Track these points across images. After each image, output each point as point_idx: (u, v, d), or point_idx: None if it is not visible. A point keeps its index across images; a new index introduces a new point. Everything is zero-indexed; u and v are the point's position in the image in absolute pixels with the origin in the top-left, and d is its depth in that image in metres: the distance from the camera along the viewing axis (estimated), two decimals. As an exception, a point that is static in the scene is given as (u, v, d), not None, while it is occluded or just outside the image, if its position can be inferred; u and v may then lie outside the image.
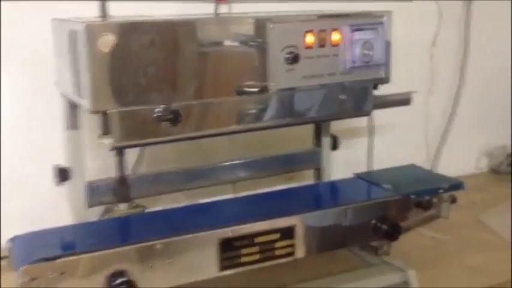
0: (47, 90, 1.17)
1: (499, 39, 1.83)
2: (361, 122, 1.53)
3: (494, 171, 1.89)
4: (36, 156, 1.29)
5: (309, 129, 1.34)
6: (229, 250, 1.01)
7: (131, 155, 1.32)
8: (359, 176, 1.28)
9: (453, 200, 1.22)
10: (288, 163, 1.33)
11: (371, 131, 1.41)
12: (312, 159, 1.33)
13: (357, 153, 1.60)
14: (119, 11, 1.08)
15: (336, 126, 1.38)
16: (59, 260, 0.90)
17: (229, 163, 1.27)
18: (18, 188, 1.33)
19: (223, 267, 1.02)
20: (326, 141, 1.31)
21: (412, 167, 1.33)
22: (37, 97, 1.29)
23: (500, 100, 1.88)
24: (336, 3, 1.53)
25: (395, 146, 1.69)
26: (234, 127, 1.01)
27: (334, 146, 1.33)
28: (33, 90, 1.30)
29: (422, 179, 1.27)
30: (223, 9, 1.44)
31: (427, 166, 1.75)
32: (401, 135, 1.76)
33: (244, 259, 1.03)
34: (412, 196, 1.17)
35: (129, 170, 1.24)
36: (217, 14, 1.39)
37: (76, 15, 1.04)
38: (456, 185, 1.23)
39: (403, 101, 1.24)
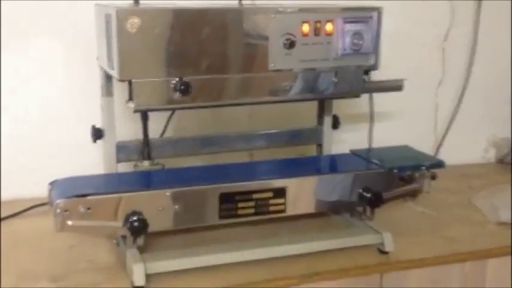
0: (91, 63, 1.38)
1: (507, 35, 1.95)
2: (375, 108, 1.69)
3: (501, 161, 2.01)
4: (81, 118, 1.51)
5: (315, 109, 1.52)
6: (227, 203, 1.21)
7: (160, 123, 1.55)
8: (353, 153, 1.45)
9: (433, 177, 1.37)
10: (295, 138, 1.50)
11: (372, 115, 1.57)
12: (314, 136, 1.50)
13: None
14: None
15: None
16: (87, 198, 1.12)
17: (241, 134, 1.46)
18: (67, 145, 1.58)
19: (222, 217, 1.22)
20: (328, 120, 1.48)
21: (404, 148, 1.49)
22: (83, 69, 1.50)
23: (507, 93, 2.00)
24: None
25: (404, 133, 1.83)
26: (235, 100, 1.21)
27: (335, 125, 1.49)
28: (82, 63, 1.51)
29: (409, 157, 1.42)
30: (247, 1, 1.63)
31: (433, 153, 1.90)
32: (411, 123, 1.91)
33: (240, 211, 1.23)
34: (395, 170, 1.34)
35: (155, 135, 1.47)
36: (241, 4, 1.58)
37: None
38: (437, 163, 1.39)
39: (395, 87, 1.39)
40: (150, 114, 1.38)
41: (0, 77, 1.52)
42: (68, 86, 1.58)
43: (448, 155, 1.95)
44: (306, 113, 1.54)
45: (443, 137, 1.93)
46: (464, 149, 1.97)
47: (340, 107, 1.54)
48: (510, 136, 1.99)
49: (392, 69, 1.65)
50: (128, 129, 1.41)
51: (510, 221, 1.48)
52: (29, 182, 1.47)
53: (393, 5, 1.78)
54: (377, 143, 1.63)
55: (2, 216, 1.43)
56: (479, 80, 1.93)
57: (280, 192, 1.25)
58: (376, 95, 1.56)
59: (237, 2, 1.57)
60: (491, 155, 2.04)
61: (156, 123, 1.53)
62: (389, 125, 1.85)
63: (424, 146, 1.64)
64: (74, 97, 1.57)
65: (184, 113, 1.58)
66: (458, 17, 1.87)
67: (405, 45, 1.84)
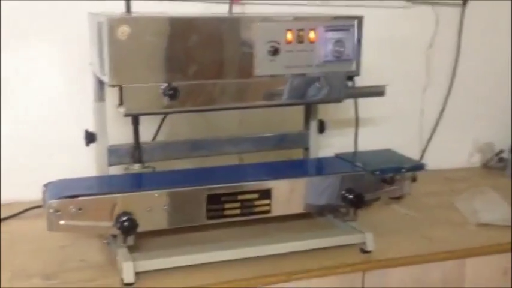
0: (85, 69, 1.43)
1: (491, 41, 2.01)
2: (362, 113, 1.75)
3: (485, 166, 2.07)
4: (75, 121, 1.54)
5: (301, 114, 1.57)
6: (214, 203, 1.26)
7: (153, 127, 1.60)
8: (338, 156, 1.50)
9: (414, 179, 1.43)
10: (282, 141, 1.55)
11: (357, 119, 1.62)
12: (301, 140, 1.55)
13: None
14: (145, 8, 1.35)
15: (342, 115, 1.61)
16: (78, 198, 1.17)
17: (229, 137, 1.51)
18: (62, 147, 1.62)
19: (209, 217, 1.27)
20: (313, 124, 1.53)
21: (387, 151, 1.55)
22: (81, 73, 1.54)
23: (491, 98, 2.05)
24: (338, 7, 1.77)
25: (390, 137, 1.86)
26: (222, 105, 1.26)
27: (321, 129, 1.55)
28: (79, 68, 1.55)
29: (391, 160, 1.48)
30: (237, 9, 1.69)
31: (418, 157, 1.95)
32: (397, 128, 1.95)
33: (227, 212, 1.28)
34: (377, 172, 1.39)
35: (148, 139, 1.52)
36: (231, 14, 1.64)
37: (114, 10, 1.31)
38: (417, 166, 1.44)
39: (378, 92, 1.45)
40: (144, 119, 1.44)
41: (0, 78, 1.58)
42: (64, 89, 1.63)
43: (433, 160, 1.99)
44: (295, 118, 1.59)
45: (428, 141, 1.98)
46: (449, 153, 2.02)
47: (327, 112, 1.60)
48: (492, 141, 2.05)
49: (379, 75, 1.71)
50: (121, 133, 1.45)
51: (489, 222, 1.53)
52: (26, 184, 1.51)
53: (379, 13, 1.86)
54: (364, 148, 1.67)
55: (1, 217, 1.48)
56: (464, 85, 1.98)
57: (266, 194, 1.30)
58: (363, 101, 1.62)
59: (227, 7, 1.64)
60: (476, 160, 2.10)
61: (149, 128, 1.59)
62: (375, 130, 1.90)
63: (410, 150, 1.68)
64: (70, 101, 1.62)
65: (176, 118, 1.63)
66: (442, 24, 1.92)
67: (391, 51, 1.90)
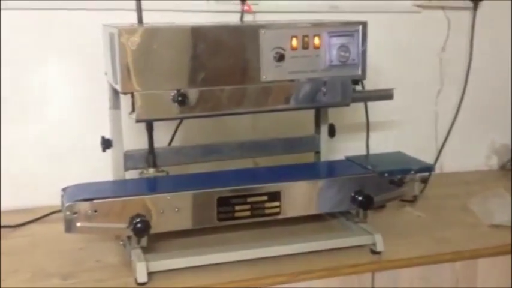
0: (101, 78, 1.49)
1: (503, 43, 2.01)
2: (376, 118, 1.77)
3: (503, 168, 2.06)
4: (92, 129, 1.59)
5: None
6: (225, 206, 1.30)
7: (167, 133, 1.65)
8: (348, 159, 1.52)
9: (423, 180, 1.44)
10: (293, 146, 1.59)
11: (367, 123, 1.64)
12: (312, 144, 1.58)
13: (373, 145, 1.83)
14: (156, 19, 1.41)
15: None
16: (93, 201, 1.22)
17: (240, 142, 1.55)
18: (80, 153, 1.69)
19: (220, 219, 1.31)
20: (324, 128, 1.56)
21: (397, 153, 1.57)
22: (94, 83, 1.59)
23: (505, 99, 2.05)
24: (347, 14, 1.80)
25: (405, 142, 1.88)
26: (230, 110, 1.30)
27: (332, 133, 1.57)
28: (92, 79, 1.61)
29: (401, 162, 1.49)
30: (249, 18, 1.74)
31: (433, 161, 1.95)
32: (412, 132, 1.97)
33: (237, 214, 1.32)
34: (386, 174, 1.41)
35: (164, 145, 1.58)
36: (242, 22, 1.69)
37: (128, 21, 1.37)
38: (425, 167, 1.46)
39: (386, 95, 1.47)
40: (160, 126, 1.49)
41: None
42: (82, 99, 1.69)
43: (450, 163, 2.02)
44: (309, 123, 1.62)
45: (443, 144, 1.98)
46: (465, 156, 2.03)
47: (340, 117, 1.62)
48: (510, 142, 2.04)
49: (391, 79, 1.74)
50: (139, 139, 1.51)
51: (503, 223, 1.53)
52: (47, 190, 1.57)
53: (391, 18, 1.88)
54: (378, 152, 1.70)
55: (23, 221, 1.55)
56: (478, 87, 1.99)
57: (275, 196, 1.33)
58: (376, 106, 1.65)
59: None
60: (494, 162, 2.09)
61: (166, 134, 1.64)
62: (390, 134, 1.93)
63: (426, 154, 1.70)
64: (88, 109, 1.69)
65: (191, 124, 1.68)
66: (454, 27, 1.94)
67: (404, 56, 1.92)
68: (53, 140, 1.69)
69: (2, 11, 1.58)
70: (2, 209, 1.61)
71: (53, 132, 1.69)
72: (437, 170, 1.84)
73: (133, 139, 1.50)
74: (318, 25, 1.33)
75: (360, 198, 1.37)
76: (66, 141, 1.70)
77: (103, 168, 1.48)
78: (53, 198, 1.54)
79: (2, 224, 1.52)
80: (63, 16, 1.64)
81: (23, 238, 1.47)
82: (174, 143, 1.66)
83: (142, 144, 1.48)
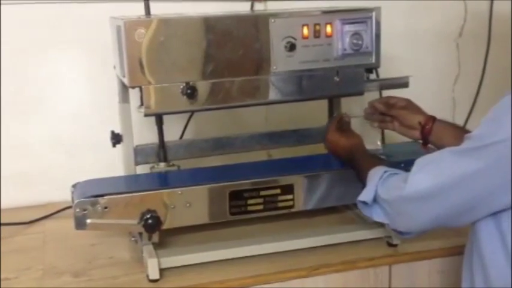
0: (110, 72, 1.47)
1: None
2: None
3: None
4: (101, 124, 1.57)
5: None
6: (237, 199, 1.28)
7: (179, 127, 1.63)
8: (362, 149, 1.49)
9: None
10: (306, 137, 1.55)
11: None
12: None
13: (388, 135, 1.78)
14: (165, 9, 1.37)
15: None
16: (104, 197, 1.21)
17: (251, 134, 1.52)
18: (91, 150, 1.68)
19: (232, 213, 1.28)
20: (337, 118, 1.53)
21: (413, 144, 1.52)
22: (105, 77, 1.56)
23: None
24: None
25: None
26: (240, 102, 1.27)
27: (344, 123, 1.54)
28: (103, 72, 1.58)
29: (416, 152, 1.45)
30: (260, 7, 1.70)
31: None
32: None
33: (250, 208, 1.29)
34: (402, 165, 1.37)
35: (176, 139, 1.55)
36: (252, 11, 1.65)
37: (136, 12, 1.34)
38: (442, 157, 1.41)
39: (401, 84, 1.43)
40: (171, 120, 1.46)
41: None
42: (91, 94, 1.68)
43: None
44: (323, 113, 1.59)
45: (461, 132, 1.94)
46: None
47: (354, 107, 1.58)
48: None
49: (407, 67, 1.69)
50: (150, 133, 1.48)
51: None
52: (59, 185, 1.56)
53: (407, 4, 1.83)
54: (396, 141, 1.66)
55: (35, 218, 1.54)
56: (496, 73, 1.93)
57: (288, 189, 1.31)
58: (391, 94, 1.60)
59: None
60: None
61: (177, 128, 1.62)
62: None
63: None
64: (97, 105, 1.67)
65: (203, 117, 1.65)
66: (471, 12, 1.88)
67: (420, 42, 1.87)
68: (65, 135, 1.68)
69: (12, 5, 1.57)
70: (13, 206, 1.61)
71: (64, 127, 1.68)
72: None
73: (145, 133, 1.48)
74: (329, 12, 1.29)
75: (376, 189, 1.34)
76: (78, 136, 1.69)
77: (115, 163, 1.47)
78: (64, 194, 1.54)
79: (14, 221, 1.51)
80: (74, 9, 1.61)
81: (35, 235, 1.46)
82: (185, 137, 1.64)
83: (153, 138, 1.46)
